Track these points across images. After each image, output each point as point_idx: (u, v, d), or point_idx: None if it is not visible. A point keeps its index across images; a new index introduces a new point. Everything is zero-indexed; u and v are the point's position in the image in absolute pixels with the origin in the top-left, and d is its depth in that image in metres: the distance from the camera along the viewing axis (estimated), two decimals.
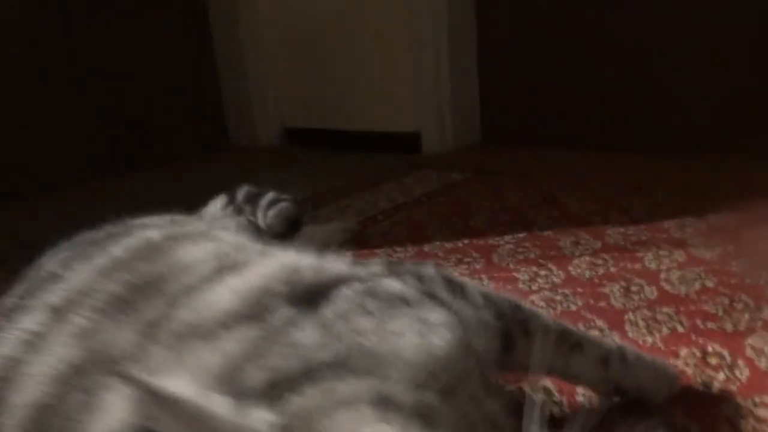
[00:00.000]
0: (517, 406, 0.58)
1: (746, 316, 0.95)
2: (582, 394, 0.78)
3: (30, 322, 0.58)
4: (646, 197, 1.56)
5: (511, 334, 0.65)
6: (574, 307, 1.03)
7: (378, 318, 0.55)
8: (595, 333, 0.94)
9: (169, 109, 2.47)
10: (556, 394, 0.80)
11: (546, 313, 0.74)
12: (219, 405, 0.38)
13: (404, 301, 0.59)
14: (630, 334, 0.93)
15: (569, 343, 0.70)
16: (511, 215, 1.52)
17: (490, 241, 1.35)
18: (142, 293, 0.57)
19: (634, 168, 1.85)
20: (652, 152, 1.94)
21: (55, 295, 0.60)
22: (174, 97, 2.48)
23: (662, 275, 1.12)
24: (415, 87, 2.33)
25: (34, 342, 0.56)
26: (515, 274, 1.18)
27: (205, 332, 0.50)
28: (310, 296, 0.57)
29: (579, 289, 1.09)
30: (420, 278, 0.66)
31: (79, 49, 2.18)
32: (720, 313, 0.97)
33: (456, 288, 0.66)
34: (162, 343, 0.50)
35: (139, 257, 0.64)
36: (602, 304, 1.03)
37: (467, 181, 1.86)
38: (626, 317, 0.98)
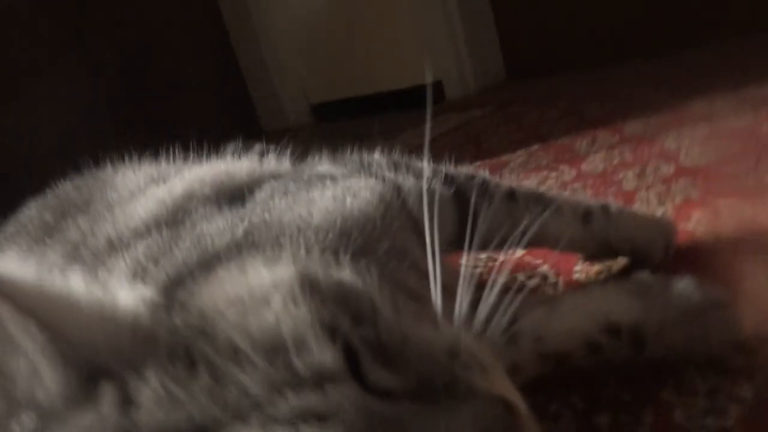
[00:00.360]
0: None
1: None
2: (577, 271, 0.72)
3: None
4: (673, 86, 1.43)
5: (467, 198, 0.60)
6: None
7: (293, 194, 0.52)
8: None
9: (198, 105, 2.52)
10: (552, 276, 0.74)
11: (514, 181, 0.68)
12: (77, 284, 0.33)
13: (331, 178, 0.56)
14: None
15: (542, 203, 0.64)
16: (526, 133, 1.44)
17: (503, 158, 1.29)
18: (69, 215, 0.57)
19: (665, 66, 1.71)
20: (685, 48, 1.78)
21: (1, 234, 0.62)
22: (201, 91, 2.53)
23: (682, 152, 1.02)
24: (429, 36, 2.27)
25: None
26: (524, 182, 1.11)
27: (121, 243, 0.49)
28: (237, 194, 0.55)
29: (590, 182, 1.02)
30: (362, 162, 0.63)
31: (99, 46, 2.26)
32: (743, 173, 0.87)
33: (400, 165, 0.63)
34: (84, 261, 0.50)
35: (78, 188, 0.64)
36: (613, 189, 0.95)
37: (487, 115, 1.79)
38: (637, 196, 0.90)
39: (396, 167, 0.62)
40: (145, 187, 0.58)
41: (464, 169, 0.66)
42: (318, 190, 0.52)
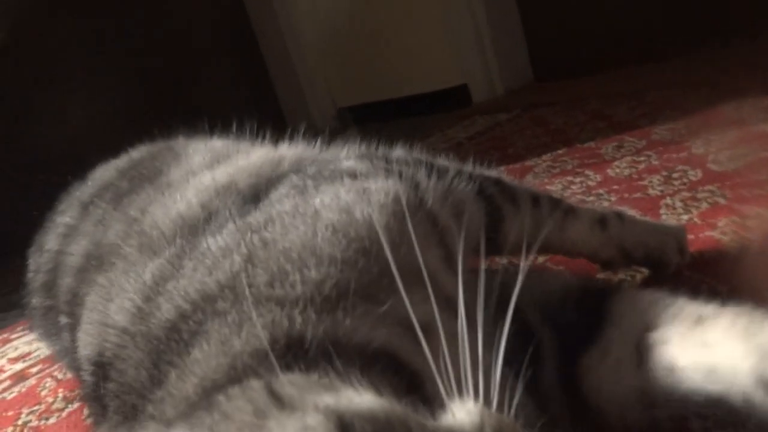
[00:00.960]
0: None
1: None
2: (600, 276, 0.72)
3: (67, 216, 0.63)
4: (704, 91, 1.41)
5: (493, 199, 0.60)
6: (606, 203, 0.95)
7: (308, 194, 0.51)
8: None
9: (224, 108, 2.56)
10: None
11: (534, 185, 0.69)
12: None
13: (351, 174, 0.55)
14: (664, 217, 0.85)
15: (562, 208, 0.64)
16: (552, 137, 1.43)
17: (528, 163, 1.29)
18: (138, 185, 0.59)
19: (695, 65, 1.68)
20: (716, 47, 1.75)
21: (84, 193, 0.65)
22: (228, 93, 2.58)
23: (710, 157, 1.01)
24: (455, 40, 2.28)
25: (69, 234, 0.61)
26: (549, 186, 1.11)
27: (152, 246, 0.50)
28: (268, 185, 0.55)
29: (615, 187, 1.01)
30: (387, 159, 0.63)
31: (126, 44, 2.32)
32: None
33: (421, 163, 0.62)
34: (133, 245, 0.52)
35: (152, 156, 0.66)
36: (638, 195, 0.95)
37: (513, 118, 1.79)
38: (662, 202, 0.89)
39: (416, 163, 0.61)
40: (201, 167, 0.59)
41: (487, 171, 0.66)
42: (330, 191, 0.50)
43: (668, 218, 0.84)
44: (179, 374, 0.38)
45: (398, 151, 0.63)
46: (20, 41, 1.98)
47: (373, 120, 2.58)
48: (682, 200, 0.88)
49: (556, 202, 0.65)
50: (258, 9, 2.67)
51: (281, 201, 0.51)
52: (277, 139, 0.71)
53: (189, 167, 0.59)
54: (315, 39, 2.65)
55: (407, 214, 0.45)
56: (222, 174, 0.56)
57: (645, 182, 0.99)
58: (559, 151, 1.29)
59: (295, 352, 0.37)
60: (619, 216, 0.65)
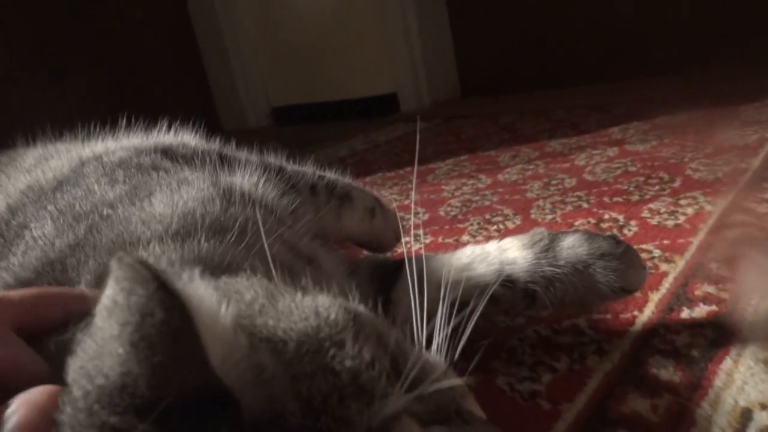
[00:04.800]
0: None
1: (657, 187, 0.92)
2: None
3: None
4: (601, 114, 1.52)
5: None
6: (487, 203, 1.02)
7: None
8: (498, 218, 0.93)
9: (156, 100, 2.54)
10: None
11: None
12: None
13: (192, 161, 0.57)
14: (533, 216, 0.91)
15: (338, 197, 0.67)
16: (460, 145, 1.50)
17: (431, 166, 1.34)
18: None
19: (605, 93, 1.80)
20: (624, 79, 1.89)
21: None
22: (166, 89, 2.55)
23: (587, 169, 1.09)
24: (388, 50, 2.34)
25: None
26: (443, 187, 1.17)
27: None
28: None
29: (500, 190, 1.08)
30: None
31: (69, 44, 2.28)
32: (631, 188, 0.94)
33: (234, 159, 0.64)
34: None
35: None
36: (517, 197, 1.02)
37: (432, 127, 1.85)
38: (535, 204, 0.96)
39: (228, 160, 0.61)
40: (32, 168, 0.58)
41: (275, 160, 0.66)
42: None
43: (536, 216, 0.91)
44: None
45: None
46: None
47: (305, 121, 2.61)
48: (552, 203, 0.95)
49: (331, 190, 0.66)
50: (199, 4, 2.66)
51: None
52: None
53: (23, 167, 0.59)
54: (253, 38, 2.66)
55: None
56: (57, 164, 0.56)
57: (527, 186, 1.06)
58: (462, 157, 1.36)
59: None
60: (381, 205, 0.69)
